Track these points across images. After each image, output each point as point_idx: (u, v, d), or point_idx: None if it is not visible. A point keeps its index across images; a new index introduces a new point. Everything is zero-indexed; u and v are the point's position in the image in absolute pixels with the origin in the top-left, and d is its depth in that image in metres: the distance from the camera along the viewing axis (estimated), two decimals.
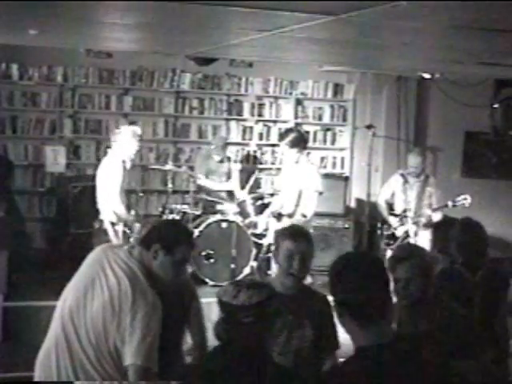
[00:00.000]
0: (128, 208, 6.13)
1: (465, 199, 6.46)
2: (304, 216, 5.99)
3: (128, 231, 5.86)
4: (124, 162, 6.00)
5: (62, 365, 2.88)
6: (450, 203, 6.54)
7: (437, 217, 6.62)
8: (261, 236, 7.04)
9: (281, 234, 3.49)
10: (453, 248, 4.16)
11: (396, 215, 6.77)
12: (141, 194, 6.45)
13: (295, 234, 3.44)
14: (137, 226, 5.86)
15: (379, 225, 7.03)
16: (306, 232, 3.55)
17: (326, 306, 3.40)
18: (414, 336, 3.12)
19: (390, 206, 6.89)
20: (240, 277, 7.05)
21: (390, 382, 2.06)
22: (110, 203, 5.81)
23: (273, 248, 3.55)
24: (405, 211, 6.71)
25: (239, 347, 2.38)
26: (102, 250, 3.11)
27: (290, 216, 6.02)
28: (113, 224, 5.81)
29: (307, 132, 9.44)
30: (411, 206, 6.70)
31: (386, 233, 6.83)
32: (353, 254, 2.30)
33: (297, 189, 6.06)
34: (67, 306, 2.96)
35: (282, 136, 6.24)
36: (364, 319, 2.11)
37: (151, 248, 2.98)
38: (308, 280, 7.41)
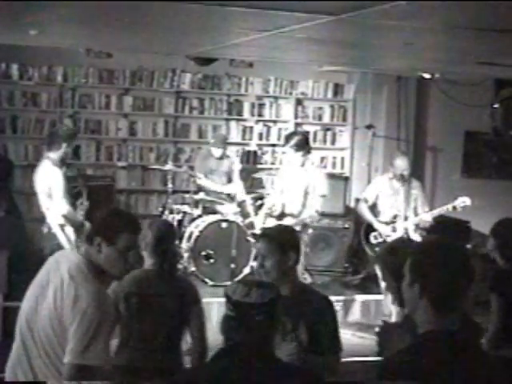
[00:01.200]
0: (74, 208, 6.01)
1: (464, 202, 6.42)
2: (310, 217, 6.03)
3: (74, 234, 5.77)
4: (62, 161, 5.91)
5: (25, 371, 2.86)
6: (449, 206, 6.50)
7: (428, 220, 6.57)
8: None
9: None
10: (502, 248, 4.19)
11: (386, 223, 6.64)
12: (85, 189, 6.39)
13: (266, 234, 3.44)
14: (87, 224, 5.70)
15: (363, 230, 6.93)
16: (274, 232, 3.49)
17: (326, 307, 3.38)
18: (477, 327, 3.14)
19: (373, 210, 6.79)
20: (240, 277, 7.05)
21: (452, 369, 2.16)
22: (57, 206, 5.71)
23: None
24: (395, 217, 6.64)
25: (250, 346, 2.38)
26: (53, 257, 3.05)
27: (295, 217, 6.02)
28: (62, 226, 5.74)
29: (307, 132, 9.44)
30: (400, 211, 6.62)
31: (376, 241, 6.70)
32: (444, 242, 2.39)
33: (303, 192, 6.05)
34: (23, 317, 2.96)
35: (286, 139, 6.18)
36: (442, 306, 2.22)
37: (94, 242, 2.89)
38: (308, 280, 7.47)
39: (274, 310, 2.41)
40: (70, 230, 5.75)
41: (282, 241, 3.34)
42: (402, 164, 6.59)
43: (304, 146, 6.05)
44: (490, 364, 2.28)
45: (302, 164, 6.08)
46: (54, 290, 2.83)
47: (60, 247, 5.56)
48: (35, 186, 5.91)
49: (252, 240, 7.05)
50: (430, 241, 2.57)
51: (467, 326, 2.47)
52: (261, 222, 6.21)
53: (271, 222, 5.98)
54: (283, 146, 6.31)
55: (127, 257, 2.93)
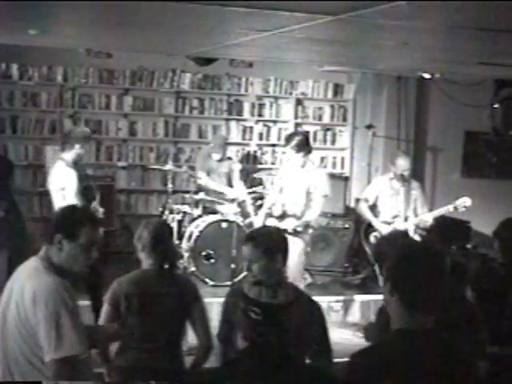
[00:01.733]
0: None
1: (464, 202, 6.42)
2: (315, 219, 6.04)
3: None
4: (76, 163, 5.94)
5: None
6: (450, 207, 6.49)
7: (429, 220, 6.58)
8: None
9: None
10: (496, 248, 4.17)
11: (386, 223, 6.63)
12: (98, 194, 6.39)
13: (252, 237, 3.40)
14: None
15: (363, 230, 6.93)
16: (261, 236, 3.45)
17: (315, 310, 3.31)
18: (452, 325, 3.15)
19: (373, 210, 6.79)
20: (240, 277, 7.04)
21: (423, 367, 2.19)
22: None
23: None
24: (395, 217, 6.63)
25: (278, 347, 2.38)
26: (20, 266, 2.97)
27: (298, 218, 6.01)
28: None
29: (307, 132, 9.44)
30: (400, 211, 6.62)
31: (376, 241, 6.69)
32: (416, 244, 2.46)
33: (304, 192, 6.03)
34: None
35: (287, 140, 6.15)
36: (412, 305, 2.24)
37: (54, 240, 2.82)
38: (308, 280, 7.47)
39: (295, 310, 2.42)
40: None
41: (269, 244, 3.31)
42: (403, 164, 6.60)
43: (305, 146, 6.02)
44: (456, 363, 2.29)
45: (303, 165, 6.06)
46: (16, 299, 2.76)
47: None
48: (48, 186, 5.95)
49: None
50: (406, 243, 2.67)
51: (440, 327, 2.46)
52: (260, 221, 6.19)
53: (272, 222, 5.97)
54: (284, 146, 6.29)
55: (90, 252, 2.88)
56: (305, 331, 3.14)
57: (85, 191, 6.03)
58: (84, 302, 5.35)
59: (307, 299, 3.40)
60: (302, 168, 6.06)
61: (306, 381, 2.37)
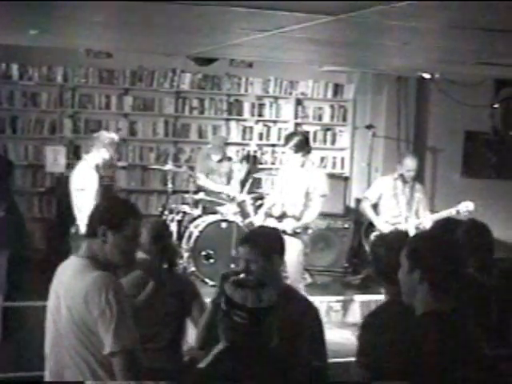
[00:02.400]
0: None
1: (467, 206, 6.41)
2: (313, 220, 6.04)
3: None
4: (98, 167, 5.95)
5: None
6: (453, 211, 6.48)
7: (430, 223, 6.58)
8: None
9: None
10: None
11: (389, 223, 6.61)
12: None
13: (250, 238, 3.36)
14: None
15: (364, 229, 6.92)
16: (258, 237, 3.40)
17: (311, 311, 3.30)
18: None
19: (374, 210, 6.78)
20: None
21: (452, 345, 2.39)
22: (84, 210, 5.73)
23: None
24: (396, 218, 6.61)
25: (267, 349, 2.39)
26: (56, 273, 2.94)
27: (297, 219, 6.00)
28: None
29: (307, 132, 9.44)
30: (402, 212, 6.63)
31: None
32: (440, 233, 2.75)
33: (304, 192, 6.02)
34: (47, 344, 2.87)
35: (286, 140, 6.14)
36: (443, 289, 2.47)
37: (98, 232, 2.76)
38: (308, 280, 7.47)
39: (277, 309, 2.42)
40: None
41: (266, 245, 3.28)
42: (410, 164, 6.61)
43: (304, 146, 6.01)
44: (476, 341, 2.51)
45: (302, 164, 6.05)
46: (66, 304, 2.73)
47: None
48: (70, 187, 5.97)
49: None
50: (424, 232, 2.88)
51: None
52: (260, 222, 6.19)
53: (271, 223, 5.97)
54: (283, 146, 6.28)
55: (134, 244, 2.85)
56: (298, 332, 3.12)
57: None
58: None
59: (303, 300, 3.39)
60: (302, 168, 6.05)
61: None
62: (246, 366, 2.35)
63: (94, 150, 5.94)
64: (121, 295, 2.69)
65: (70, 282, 2.74)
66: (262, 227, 4.05)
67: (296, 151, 5.95)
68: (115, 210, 2.84)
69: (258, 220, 6.33)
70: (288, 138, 6.14)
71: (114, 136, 6.24)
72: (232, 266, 7.05)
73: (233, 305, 2.37)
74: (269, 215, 6.17)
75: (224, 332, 2.42)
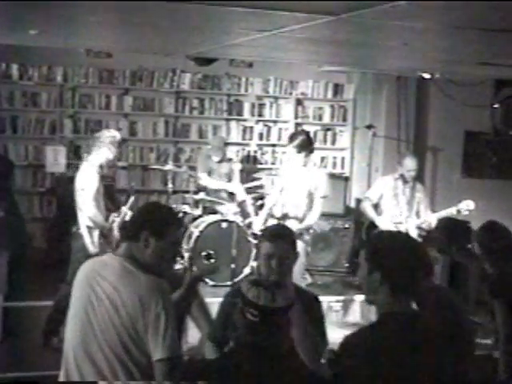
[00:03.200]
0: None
1: (468, 205, 6.41)
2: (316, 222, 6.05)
3: (101, 240, 5.75)
4: (101, 167, 5.94)
5: None
6: (454, 210, 6.48)
7: (433, 222, 6.59)
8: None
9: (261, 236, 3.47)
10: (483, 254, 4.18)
11: (390, 223, 6.59)
12: (132, 197, 6.35)
13: (277, 234, 3.38)
14: (115, 234, 5.73)
15: (365, 229, 6.92)
16: (288, 232, 3.46)
17: (318, 306, 3.34)
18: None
19: (375, 210, 6.78)
20: (240, 277, 7.05)
21: (412, 345, 2.42)
22: (85, 208, 5.74)
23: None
24: (397, 218, 6.61)
25: (278, 350, 2.39)
26: (85, 268, 2.92)
27: (300, 220, 5.98)
28: (89, 229, 5.75)
29: (309, 132, 9.43)
30: (403, 213, 6.63)
31: None
32: (399, 233, 2.82)
33: (306, 193, 6.00)
34: (73, 339, 2.82)
35: (290, 139, 6.11)
36: (402, 290, 2.48)
37: (140, 237, 2.80)
38: (308, 280, 7.46)
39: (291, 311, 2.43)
40: (96, 233, 5.76)
41: (294, 240, 3.36)
42: (411, 164, 6.61)
43: (308, 146, 5.99)
44: (439, 341, 2.53)
45: (305, 164, 6.03)
46: (112, 302, 2.71)
47: (84, 248, 5.60)
48: (74, 187, 5.98)
49: (252, 240, 7.05)
50: (383, 233, 2.93)
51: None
52: (262, 222, 6.17)
53: (273, 223, 5.95)
54: (286, 145, 6.26)
55: (175, 251, 2.90)
56: (305, 329, 3.14)
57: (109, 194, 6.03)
58: None
59: (310, 296, 3.43)
60: (304, 168, 6.03)
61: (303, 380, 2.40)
62: (253, 364, 2.36)
63: (96, 150, 5.93)
64: (171, 303, 2.75)
65: (119, 281, 2.74)
66: (281, 224, 4.04)
67: (299, 151, 5.93)
68: (159, 216, 2.88)
69: (259, 220, 6.30)
70: (292, 137, 6.10)
71: (116, 134, 6.22)
72: (232, 266, 7.06)
73: (246, 302, 2.38)
74: (270, 215, 6.15)
75: (236, 329, 2.43)
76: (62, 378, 2.85)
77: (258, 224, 6.19)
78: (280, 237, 3.34)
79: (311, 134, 9.17)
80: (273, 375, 2.35)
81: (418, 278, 2.51)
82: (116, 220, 5.81)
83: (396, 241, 2.59)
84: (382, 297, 2.49)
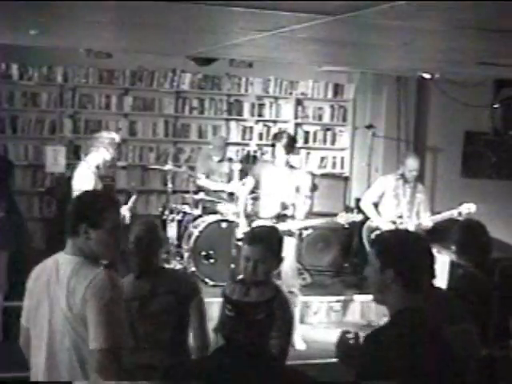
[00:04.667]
0: None
1: (469, 208, 6.40)
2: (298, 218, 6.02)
3: None
4: (98, 167, 5.94)
5: None
6: (454, 212, 6.47)
7: (429, 225, 6.59)
8: None
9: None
10: (463, 251, 4.17)
11: (390, 222, 6.62)
12: (134, 196, 6.35)
13: (255, 237, 3.39)
14: None
15: (365, 229, 6.92)
16: (267, 235, 3.45)
17: (286, 309, 3.33)
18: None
19: (376, 209, 6.79)
20: (240, 277, 7.03)
21: (423, 340, 2.45)
22: None
23: None
24: (397, 218, 6.63)
25: (250, 345, 2.39)
26: (36, 270, 2.91)
27: (288, 219, 5.97)
28: None
29: (307, 132, 9.45)
30: (403, 213, 6.64)
31: None
32: (408, 231, 2.79)
33: (292, 192, 6.01)
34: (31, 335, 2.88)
35: (276, 139, 6.09)
36: (415, 287, 2.51)
37: (79, 231, 2.72)
38: (307, 280, 7.45)
39: (271, 308, 2.43)
40: None
41: (275, 244, 3.33)
42: (412, 164, 6.62)
43: (293, 146, 6.07)
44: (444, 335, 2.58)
45: (289, 164, 6.08)
46: (66, 297, 2.70)
47: None
48: (72, 187, 5.98)
49: None
50: (393, 230, 2.86)
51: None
52: (244, 223, 6.15)
53: (263, 222, 5.91)
54: (272, 144, 6.25)
55: (118, 236, 2.80)
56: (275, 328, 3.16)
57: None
58: None
59: (284, 298, 3.41)
60: (288, 168, 6.06)
61: (277, 381, 2.40)
62: (234, 361, 2.37)
63: (95, 151, 5.93)
64: (120, 296, 2.69)
65: (70, 281, 2.71)
66: (263, 227, 4.03)
67: (287, 151, 5.98)
68: (92, 206, 2.78)
69: (242, 222, 6.28)
70: (278, 136, 6.13)
71: (115, 136, 6.22)
72: (232, 266, 7.06)
73: (223, 297, 2.41)
74: (257, 216, 6.15)
75: (219, 325, 2.46)
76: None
77: (242, 226, 6.16)
78: (258, 241, 3.34)
79: (311, 134, 9.29)
80: (249, 373, 2.35)
81: (427, 276, 2.56)
82: None
83: (408, 238, 2.64)
84: (394, 294, 2.51)
